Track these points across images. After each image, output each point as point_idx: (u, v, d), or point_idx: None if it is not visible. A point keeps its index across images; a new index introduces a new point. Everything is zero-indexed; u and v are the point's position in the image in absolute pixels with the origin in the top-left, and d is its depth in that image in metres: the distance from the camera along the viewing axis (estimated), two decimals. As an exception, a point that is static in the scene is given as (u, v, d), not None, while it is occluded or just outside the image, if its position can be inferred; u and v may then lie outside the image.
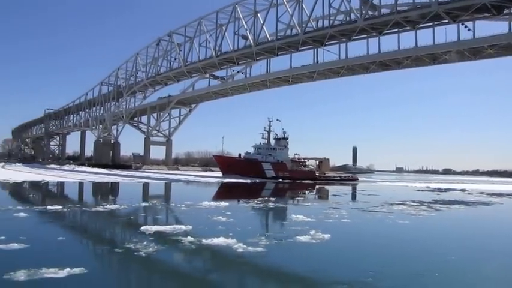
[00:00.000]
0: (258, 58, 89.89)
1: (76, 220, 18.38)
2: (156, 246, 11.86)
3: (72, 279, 8.67)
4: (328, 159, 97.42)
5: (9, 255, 10.51)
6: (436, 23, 66.17)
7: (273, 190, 47.69)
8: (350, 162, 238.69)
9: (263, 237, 13.75)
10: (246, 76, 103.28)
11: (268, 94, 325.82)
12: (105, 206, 21.13)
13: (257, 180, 67.80)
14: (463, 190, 52.81)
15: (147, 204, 23.76)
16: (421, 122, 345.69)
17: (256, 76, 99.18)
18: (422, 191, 50.50)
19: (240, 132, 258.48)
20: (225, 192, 43.96)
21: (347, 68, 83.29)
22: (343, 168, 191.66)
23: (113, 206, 21.31)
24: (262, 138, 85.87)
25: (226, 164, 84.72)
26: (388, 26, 67.97)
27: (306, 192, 46.22)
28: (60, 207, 19.97)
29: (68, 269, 9.07)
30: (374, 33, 71.71)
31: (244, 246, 12.16)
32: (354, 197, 41.58)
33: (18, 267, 9.02)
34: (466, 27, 65.15)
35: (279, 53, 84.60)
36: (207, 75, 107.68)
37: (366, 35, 73.71)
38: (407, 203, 29.32)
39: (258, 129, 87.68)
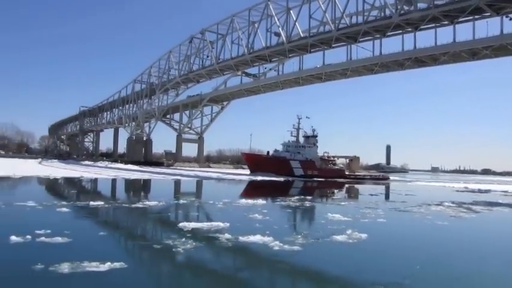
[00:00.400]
0: (290, 55, 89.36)
1: (116, 216, 18.85)
2: (193, 243, 12.03)
3: (112, 273, 8.91)
4: (358, 158, 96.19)
5: (53, 248, 10.92)
6: (476, 16, 63.73)
7: (303, 189, 47.67)
8: (383, 161, 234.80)
9: (299, 236, 13.72)
10: (278, 73, 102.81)
11: (299, 91, 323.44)
12: (144, 203, 21.57)
13: (290, 179, 67.71)
14: (505, 192, 50.71)
15: (184, 202, 24.30)
16: (458, 118, 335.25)
17: (288, 73, 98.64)
18: (460, 191, 49.00)
19: (270, 130, 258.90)
20: (255, 190, 44.31)
21: (381, 65, 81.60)
22: (376, 167, 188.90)
23: (151, 203, 21.62)
24: (291, 135, 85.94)
25: (254, 161, 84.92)
26: (425, 21, 66.09)
27: (336, 191, 46.07)
28: (100, 203, 20.52)
29: (109, 263, 9.33)
30: (409, 29, 69.90)
31: (281, 244, 12.16)
32: (388, 197, 40.98)
33: (62, 260, 9.36)
34: (511, 19, 62.04)
35: (312, 50, 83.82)
36: (239, 73, 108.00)
37: (401, 31, 71.94)
38: (446, 204, 28.54)
39: (287, 126, 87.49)
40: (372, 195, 39.92)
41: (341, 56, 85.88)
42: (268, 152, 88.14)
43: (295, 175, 76.85)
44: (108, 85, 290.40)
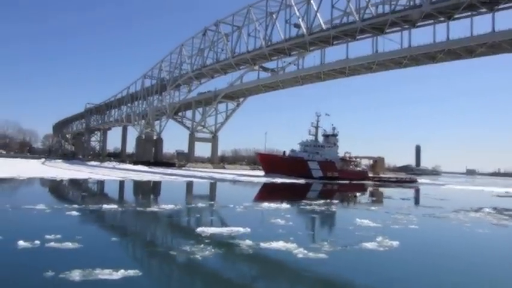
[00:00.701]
0: (311, 48, 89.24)
1: (129, 220, 19.06)
2: (212, 250, 12.08)
3: (126, 281, 8.94)
4: (383, 159, 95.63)
5: (64, 255, 11.01)
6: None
7: (324, 191, 47.88)
8: (413, 163, 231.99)
9: (325, 243, 13.69)
10: (298, 68, 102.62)
11: (320, 87, 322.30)
12: (160, 206, 21.81)
13: (308, 181, 67.60)
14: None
15: (201, 205, 24.51)
16: (497, 116, 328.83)
17: (309, 68, 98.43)
18: (501, 196, 47.98)
19: (287, 128, 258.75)
20: (274, 193, 44.76)
21: (410, 58, 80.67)
22: (405, 169, 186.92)
23: (166, 206, 21.86)
24: (309, 134, 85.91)
25: (269, 162, 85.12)
26: (460, 9, 65.05)
27: (360, 194, 46.02)
28: (112, 206, 20.86)
29: (123, 270, 9.36)
30: (442, 18, 68.95)
31: (305, 251, 12.14)
32: (419, 201, 40.57)
33: (73, 266, 9.41)
34: None
35: (334, 43, 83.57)
36: (256, 67, 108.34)
37: (432, 21, 71.04)
38: (486, 210, 27.95)
39: (305, 125, 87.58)
40: (402, 199, 39.70)
41: (366, 49, 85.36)
42: (284, 152, 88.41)
43: (314, 177, 76.99)
44: (116, 81, 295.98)
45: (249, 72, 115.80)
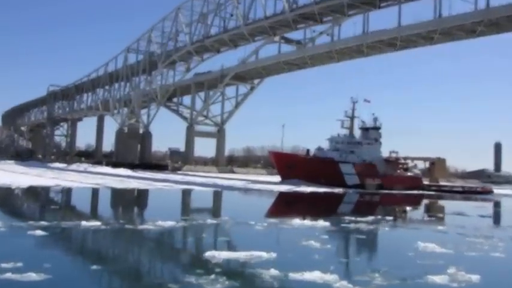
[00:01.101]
0: (350, 13, 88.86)
1: (114, 242, 19.17)
2: (226, 282, 11.99)
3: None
4: (444, 160, 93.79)
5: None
6: None
7: (365, 204, 48.76)
8: (490, 166, 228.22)
9: (377, 274, 13.60)
10: (332, 39, 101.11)
11: (359, 66, 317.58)
12: (156, 223, 21.89)
13: (342, 190, 68.04)
14: None
15: (210, 221, 24.98)
16: None
17: (347, 39, 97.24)
18: None
19: (313, 120, 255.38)
20: (300, 205, 45.25)
21: (487, 22, 79.48)
22: (478, 174, 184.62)
23: (165, 223, 22.00)
24: (342, 127, 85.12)
25: (285, 163, 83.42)
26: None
27: (412, 208, 46.03)
28: (92, 223, 21.04)
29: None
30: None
31: (350, 285, 12.10)
32: (500, 219, 40.80)
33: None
34: None
35: (382, 5, 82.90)
36: (277, 38, 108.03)
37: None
38: None
39: (337, 114, 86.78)
40: (480, 216, 39.77)
41: (426, 13, 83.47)
42: (308, 151, 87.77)
43: (347, 184, 76.76)
44: (91, 56, 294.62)
45: (267, 46, 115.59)
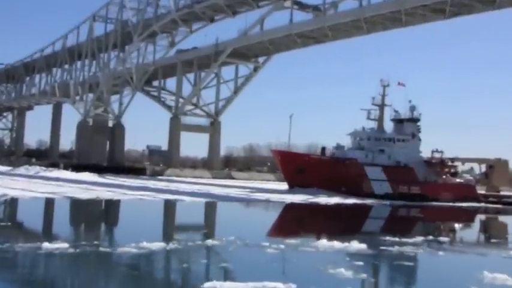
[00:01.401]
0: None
1: (90, 269, 17.72)
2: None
3: None
4: (506, 162, 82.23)
5: None
6: None
7: (402, 220, 48.04)
8: None
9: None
10: (360, 4, 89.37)
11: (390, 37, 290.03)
12: (140, 244, 20.25)
13: (368, 201, 62.57)
14: None
15: (209, 242, 23.22)
16: None
17: (379, 3, 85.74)
18: None
19: (334, 108, 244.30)
20: (319, 221, 43.16)
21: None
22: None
23: (153, 245, 20.52)
24: (368, 118, 77.67)
25: (293, 165, 74.65)
26: None
27: (463, 226, 45.13)
28: (55, 245, 19.23)
29: None
30: None
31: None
32: None
33: None
34: None
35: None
36: (288, 3, 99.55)
37: None
38: None
39: (361, 102, 79.09)
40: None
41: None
42: (323, 150, 79.91)
43: (375, 193, 69.73)
44: (45, 26, 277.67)
45: (275, 13, 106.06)
